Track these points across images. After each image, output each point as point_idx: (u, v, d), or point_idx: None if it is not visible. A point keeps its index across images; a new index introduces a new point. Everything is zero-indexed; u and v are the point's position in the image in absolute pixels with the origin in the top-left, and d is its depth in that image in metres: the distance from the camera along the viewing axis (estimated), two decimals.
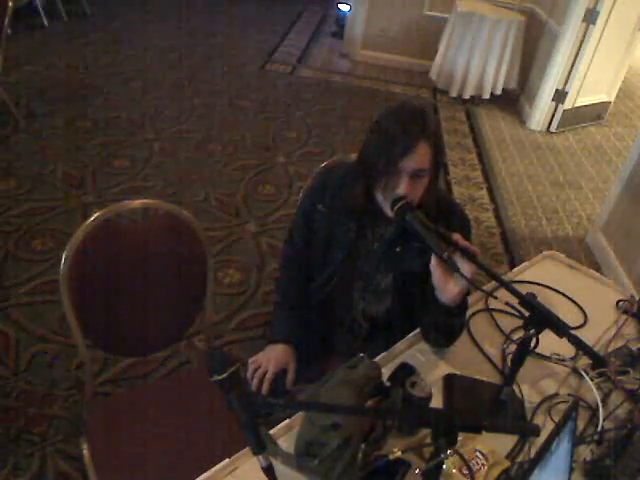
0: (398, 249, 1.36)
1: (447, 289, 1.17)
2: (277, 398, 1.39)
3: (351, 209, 1.35)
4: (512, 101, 5.31)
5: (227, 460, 1.02)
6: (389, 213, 1.24)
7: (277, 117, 4.36)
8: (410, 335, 1.35)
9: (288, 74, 5.31)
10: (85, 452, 1.33)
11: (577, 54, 4.43)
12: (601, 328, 1.43)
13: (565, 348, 1.26)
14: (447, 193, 1.41)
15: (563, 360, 1.32)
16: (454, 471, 0.99)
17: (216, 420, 1.37)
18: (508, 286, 1.09)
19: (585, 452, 1.08)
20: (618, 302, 1.54)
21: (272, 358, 1.40)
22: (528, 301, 1.04)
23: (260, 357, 1.42)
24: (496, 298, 1.10)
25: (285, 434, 1.08)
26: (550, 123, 4.78)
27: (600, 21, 4.24)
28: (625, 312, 1.50)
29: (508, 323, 1.41)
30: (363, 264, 1.41)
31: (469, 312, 1.41)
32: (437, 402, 1.17)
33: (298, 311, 1.50)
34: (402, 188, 1.21)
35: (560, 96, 4.63)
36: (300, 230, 1.48)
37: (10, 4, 3.27)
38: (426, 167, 1.22)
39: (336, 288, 1.45)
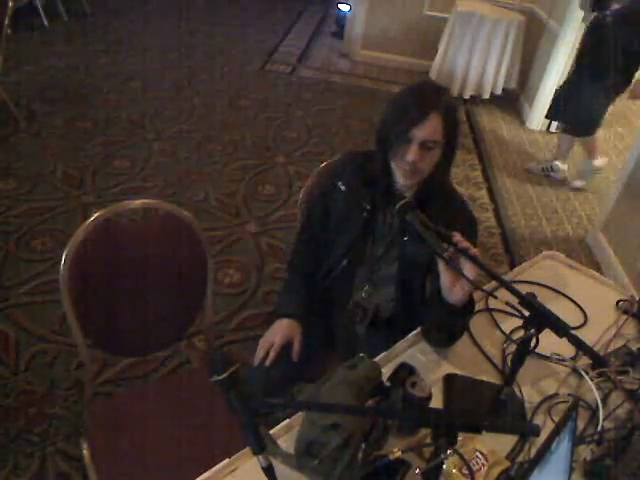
0: (406, 238, 1.38)
1: (455, 291, 1.19)
2: (283, 372, 1.41)
3: (369, 182, 1.40)
4: (512, 101, 5.31)
5: (227, 460, 1.02)
6: (400, 181, 1.33)
7: (277, 117, 4.36)
8: (410, 335, 1.35)
9: (288, 74, 5.31)
10: (85, 452, 1.33)
11: None
12: (601, 328, 1.43)
13: (565, 348, 1.27)
14: (454, 189, 1.44)
15: (563, 360, 1.32)
16: (454, 471, 0.99)
17: (216, 420, 1.37)
18: (508, 286, 1.09)
19: (585, 452, 1.08)
20: (618, 302, 1.54)
21: (278, 331, 1.43)
22: (528, 301, 1.04)
23: (267, 334, 1.44)
24: (496, 298, 1.10)
25: (285, 434, 1.08)
26: (550, 123, 4.77)
27: None
28: (625, 312, 1.50)
29: (508, 323, 1.41)
30: (370, 248, 1.44)
31: None
32: (437, 402, 1.17)
33: (306, 288, 1.52)
34: (410, 155, 1.26)
35: None
36: (318, 212, 1.51)
37: (10, 4, 3.27)
38: (436, 139, 1.27)
39: (342, 271, 1.48)
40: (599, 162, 3.89)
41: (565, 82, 3.80)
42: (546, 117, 4.14)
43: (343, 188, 1.44)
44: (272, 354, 1.39)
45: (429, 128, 1.24)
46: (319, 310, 1.54)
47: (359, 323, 1.53)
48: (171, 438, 1.36)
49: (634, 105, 5.67)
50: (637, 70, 3.42)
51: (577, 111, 3.60)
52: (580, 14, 4.24)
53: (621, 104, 5.47)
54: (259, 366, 1.40)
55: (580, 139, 3.90)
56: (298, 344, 1.43)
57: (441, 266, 1.18)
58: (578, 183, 3.94)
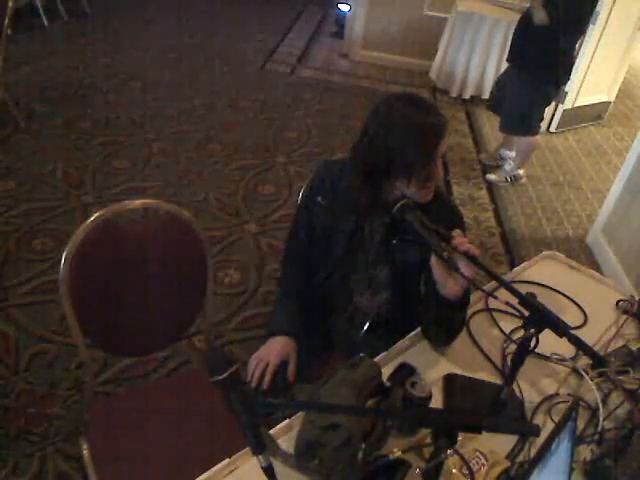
0: (395, 241, 1.37)
1: (448, 286, 1.18)
2: (279, 390, 1.39)
3: (350, 196, 1.36)
4: None
5: (227, 460, 1.02)
6: (421, 199, 1.26)
7: (277, 117, 4.36)
8: (410, 335, 1.35)
9: (288, 74, 5.31)
10: (85, 452, 1.33)
11: (577, 54, 4.42)
12: (601, 328, 1.43)
13: (565, 348, 1.26)
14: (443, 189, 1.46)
15: (563, 360, 1.32)
16: (454, 471, 0.99)
17: (216, 420, 1.37)
18: (508, 286, 1.09)
19: (585, 452, 1.08)
20: (618, 302, 1.54)
21: (273, 351, 1.40)
22: (528, 301, 1.04)
23: (261, 351, 1.42)
24: (496, 298, 1.10)
25: (285, 434, 1.08)
26: (550, 123, 4.77)
27: (600, 21, 4.23)
28: (625, 312, 1.50)
29: (508, 323, 1.41)
30: (361, 256, 1.43)
31: (469, 312, 1.41)
32: (437, 402, 1.17)
33: (299, 304, 1.50)
34: (438, 174, 1.24)
35: (560, 96, 4.62)
36: (302, 224, 1.49)
37: (10, 4, 3.27)
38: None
39: (336, 280, 1.47)
40: (523, 172, 3.84)
41: (502, 74, 3.74)
42: (488, 108, 3.96)
43: (324, 203, 1.41)
44: (267, 377, 1.36)
45: (446, 139, 1.22)
46: (318, 312, 1.54)
47: (357, 327, 1.52)
48: (171, 438, 1.36)
49: (635, 106, 5.68)
50: (563, 64, 3.31)
51: (510, 106, 3.53)
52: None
53: (621, 104, 5.48)
54: (255, 388, 1.38)
55: (518, 138, 3.78)
56: (294, 363, 1.41)
57: (432, 262, 1.17)
58: (492, 177, 3.87)
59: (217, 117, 4.23)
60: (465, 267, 1.12)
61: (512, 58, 3.53)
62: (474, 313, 1.44)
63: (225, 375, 0.80)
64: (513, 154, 3.91)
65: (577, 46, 3.41)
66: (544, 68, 3.28)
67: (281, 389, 1.39)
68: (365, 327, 1.52)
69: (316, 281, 1.50)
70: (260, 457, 0.79)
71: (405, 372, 1.13)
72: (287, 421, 1.10)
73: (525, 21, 3.31)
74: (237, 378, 0.82)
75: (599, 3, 4.16)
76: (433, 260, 1.17)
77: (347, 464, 0.95)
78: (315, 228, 1.45)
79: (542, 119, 3.65)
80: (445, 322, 1.28)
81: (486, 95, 5.06)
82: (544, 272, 1.65)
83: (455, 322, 1.30)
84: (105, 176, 3.29)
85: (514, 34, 3.49)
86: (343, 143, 4.01)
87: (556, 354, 1.32)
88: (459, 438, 0.80)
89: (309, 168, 3.59)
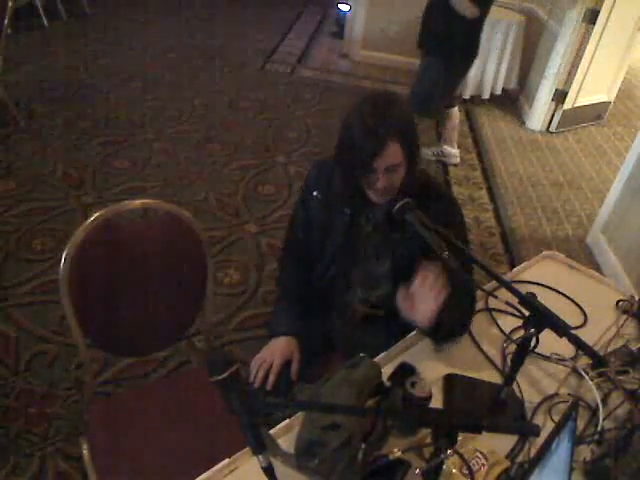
0: (395, 235, 1.37)
1: (418, 313, 1.19)
2: (282, 390, 1.39)
3: (342, 191, 1.39)
4: (512, 101, 5.31)
5: (227, 460, 1.02)
6: (374, 199, 1.32)
7: (277, 117, 4.36)
8: (410, 335, 1.35)
9: (288, 74, 5.31)
10: (85, 452, 1.33)
11: (577, 54, 4.43)
12: (601, 328, 1.43)
13: (565, 348, 1.27)
14: (435, 179, 1.49)
15: (563, 360, 1.32)
16: (454, 471, 0.99)
17: (216, 420, 1.37)
18: (508, 286, 1.09)
19: (585, 452, 1.08)
20: (618, 302, 1.54)
21: (276, 351, 1.40)
22: (528, 301, 1.04)
23: (263, 352, 1.42)
24: (496, 298, 1.10)
25: (285, 434, 1.08)
26: (550, 123, 4.78)
27: (600, 21, 4.24)
28: (625, 312, 1.50)
29: (508, 323, 1.41)
30: (359, 250, 1.44)
31: None
32: (437, 402, 1.17)
33: (299, 304, 1.51)
34: (379, 185, 1.26)
35: (560, 96, 4.63)
36: (300, 220, 1.51)
37: (10, 4, 3.27)
38: (399, 161, 1.25)
39: (334, 275, 1.47)
40: (447, 150, 3.91)
41: None
42: None
43: (320, 197, 1.44)
44: (272, 377, 1.37)
45: (388, 157, 1.23)
46: (317, 312, 1.54)
47: (357, 323, 1.53)
48: (171, 438, 1.36)
49: (635, 106, 5.68)
50: (468, 45, 3.38)
51: (415, 85, 3.60)
52: (580, 14, 4.26)
53: (621, 104, 5.48)
54: (259, 388, 1.38)
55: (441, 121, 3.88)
56: (297, 363, 1.41)
57: (398, 298, 1.21)
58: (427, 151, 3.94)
59: (217, 117, 4.23)
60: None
61: (420, 45, 3.54)
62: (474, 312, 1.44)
63: (225, 375, 0.80)
64: (455, 150, 3.99)
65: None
66: (450, 53, 3.32)
67: (283, 389, 1.39)
68: (365, 322, 1.52)
69: (314, 278, 1.50)
70: (260, 457, 0.79)
71: (405, 372, 1.13)
72: (287, 421, 1.10)
73: (435, 6, 3.31)
74: (237, 378, 0.81)
75: (599, 3, 4.17)
76: (398, 296, 1.21)
77: (347, 464, 0.95)
78: (312, 223, 1.47)
79: (443, 103, 3.71)
80: (445, 322, 1.27)
81: (486, 95, 5.07)
82: (544, 272, 1.65)
83: (454, 321, 1.29)
84: (105, 176, 3.29)
85: (422, 20, 3.49)
86: None
87: (556, 354, 1.32)
88: (459, 438, 0.80)
89: (309, 168, 3.58)
